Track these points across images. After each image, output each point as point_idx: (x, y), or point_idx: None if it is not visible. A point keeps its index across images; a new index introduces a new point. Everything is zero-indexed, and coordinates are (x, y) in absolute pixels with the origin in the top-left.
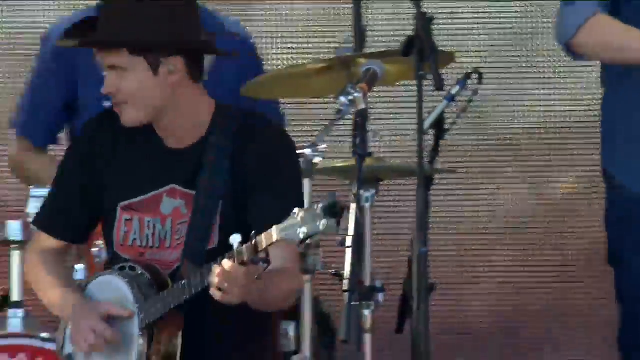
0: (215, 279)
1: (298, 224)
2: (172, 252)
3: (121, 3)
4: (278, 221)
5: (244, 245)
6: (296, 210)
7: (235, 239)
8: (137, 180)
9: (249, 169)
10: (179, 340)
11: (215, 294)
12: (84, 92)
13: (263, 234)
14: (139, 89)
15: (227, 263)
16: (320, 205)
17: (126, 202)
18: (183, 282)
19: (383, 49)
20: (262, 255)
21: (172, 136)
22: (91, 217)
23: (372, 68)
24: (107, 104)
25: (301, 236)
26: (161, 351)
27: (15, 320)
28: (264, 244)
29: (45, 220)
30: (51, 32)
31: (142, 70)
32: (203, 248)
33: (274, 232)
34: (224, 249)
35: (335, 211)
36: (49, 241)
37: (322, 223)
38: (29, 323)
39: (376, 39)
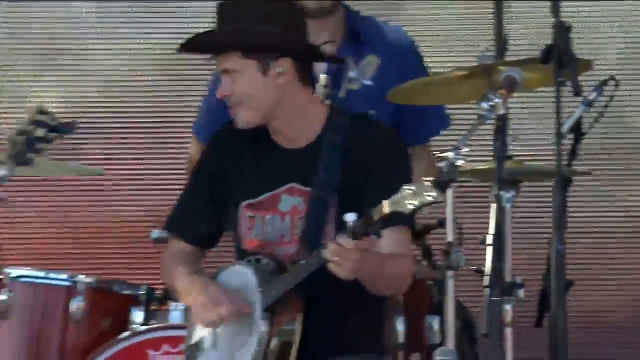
0: (329, 253)
1: (407, 196)
2: (290, 247)
3: (233, 10)
4: (390, 213)
5: (358, 220)
6: (405, 185)
7: (350, 217)
8: (257, 181)
9: (360, 164)
10: (298, 324)
11: (330, 267)
12: None
13: (375, 208)
14: (250, 90)
15: (340, 237)
16: (425, 180)
17: (248, 202)
18: (301, 262)
19: (523, 57)
20: (374, 228)
21: (286, 138)
22: (219, 223)
23: (511, 75)
24: None
25: (410, 207)
26: (280, 334)
27: (175, 312)
28: (376, 217)
29: (177, 225)
30: None
31: (252, 72)
32: (319, 239)
33: (385, 205)
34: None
35: (441, 184)
36: (180, 245)
37: (430, 194)
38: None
39: (516, 45)
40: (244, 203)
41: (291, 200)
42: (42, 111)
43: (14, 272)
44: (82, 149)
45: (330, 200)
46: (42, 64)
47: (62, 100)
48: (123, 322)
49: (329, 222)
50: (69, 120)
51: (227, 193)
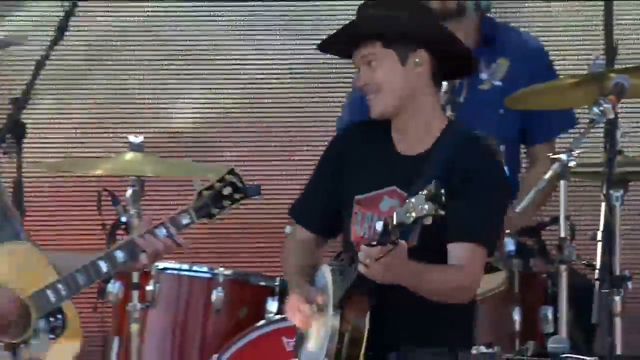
0: (361, 257)
1: (409, 209)
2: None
3: (372, 4)
4: (466, 226)
5: (382, 229)
6: (412, 198)
7: (379, 225)
8: (368, 179)
9: (455, 178)
10: (366, 320)
11: (361, 269)
12: None
13: (390, 217)
14: (389, 77)
15: (368, 243)
16: (424, 192)
17: (357, 197)
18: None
19: (632, 65)
20: (391, 237)
21: (404, 141)
22: (339, 213)
23: (620, 82)
24: None
25: (410, 220)
26: (350, 330)
27: None
28: (390, 227)
29: (301, 213)
30: None
31: (392, 61)
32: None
33: (394, 216)
34: (424, 247)
35: (435, 197)
36: (303, 233)
37: (424, 208)
38: None
39: (625, 51)
40: (355, 198)
41: (390, 202)
42: (232, 172)
43: (161, 264)
44: (221, 147)
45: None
46: (186, 68)
47: (205, 100)
48: (259, 312)
49: (411, 233)
50: (256, 184)
51: (343, 186)
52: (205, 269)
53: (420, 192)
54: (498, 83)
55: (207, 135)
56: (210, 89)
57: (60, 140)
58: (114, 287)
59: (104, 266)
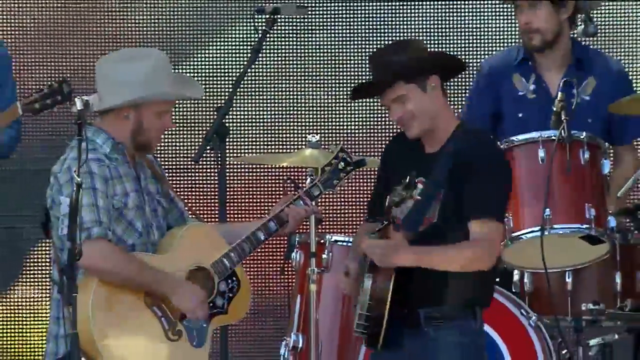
0: (363, 245)
1: (395, 194)
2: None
3: (379, 54)
4: (476, 204)
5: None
6: (396, 185)
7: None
8: (404, 174)
9: (461, 166)
10: (391, 282)
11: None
12: (504, 106)
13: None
14: (419, 105)
15: (367, 234)
16: (403, 182)
17: (394, 187)
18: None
19: None
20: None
21: (428, 143)
22: None
23: None
24: (520, 115)
25: (393, 203)
26: (377, 289)
27: None
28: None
29: (373, 207)
30: (483, 64)
31: (417, 93)
32: (420, 221)
33: (386, 199)
34: (442, 224)
35: (408, 185)
36: (368, 225)
37: (400, 193)
38: None
39: None
40: (393, 187)
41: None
42: (342, 150)
43: (332, 237)
44: (374, 142)
45: (436, 194)
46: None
47: (367, 106)
48: None
49: (435, 210)
50: (362, 158)
51: (389, 179)
52: None
53: (402, 181)
54: (586, 98)
55: (367, 133)
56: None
57: (255, 139)
58: (297, 255)
59: (261, 235)
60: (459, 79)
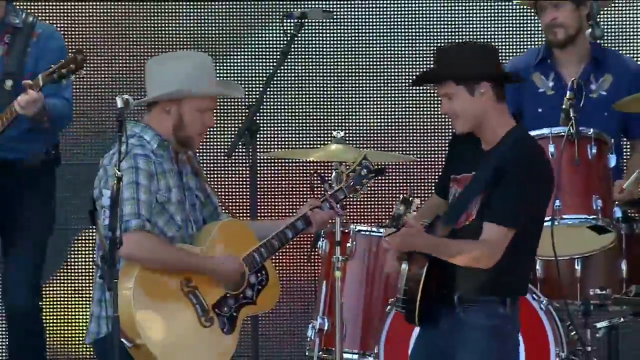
0: (384, 235)
1: (395, 209)
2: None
3: (446, 52)
4: (494, 210)
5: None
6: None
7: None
8: (464, 165)
9: (501, 170)
10: (424, 270)
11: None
12: (525, 103)
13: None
14: (462, 106)
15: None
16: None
17: (452, 176)
18: None
19: None
20: (397, 223)
21: (484, 141)
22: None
23: None
24: (540, 110)
25: (396, 214)
26: (412, 274)
27: None
28: (395, 217)
29: (438, 183)
30: (507, 66)
31: (463, 94)
32: (458, 214)
33: (394, 210)
34: (479, 222)
35: (405, 200)
36: (435, 199)
37: (399, 208)
38: None
39: None
40: (451, 176)
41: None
42: (365, 158)
43: (356, 227)
44: (401, 139)
45: (477, 191)
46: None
47: (389, 101)
48: None
49: (475, 208)
50: (382, 167)
51: (453, 163)
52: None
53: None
54: (603, 93)
55: (391, 129)
56: (393, 92)
57: (283, 136)
58: (323, 244)
59: (289, 233)
60: None
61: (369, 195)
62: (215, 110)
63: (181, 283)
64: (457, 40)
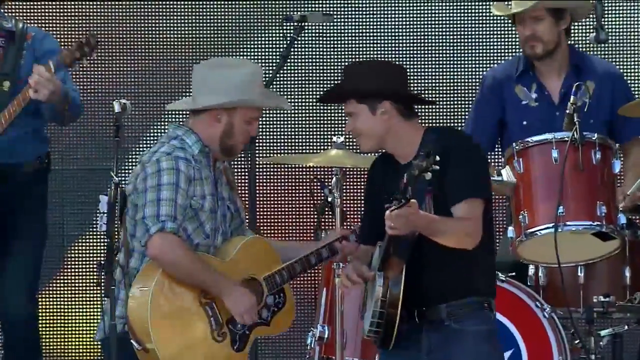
0: (386, 219)
1: (413, 168)
2: None
3: (351, 70)
4: (456, 190)
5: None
6: (415, 160)
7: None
8: (390, 188)
9: (443, 159)
10: (402, 280)
11: (388, 230)
12: (509, 116)
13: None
14: (364, 125)
15: (389, 207)
16: (421, 153)
17: (386, 205)
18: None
19: None
20: (406, 194)
21: (399, 156)
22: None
23: None
24: (524, 122)
25: (415, 174)
26: (390, 288)
27: None
28: (402, 187)
29: (362, 231)
30: (487, 75)
31: (365, 113)
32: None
33: (405, 176)
34: (438, 214)
35: (428, 154)
36: (363, 249)
37: (421, 163)
38: None
39: None
40: (385, 206)
41: None
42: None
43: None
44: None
45: (423, 192)
46: None
47: None
48: None
49: (429, 203)
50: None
51: (375, 198)
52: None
53: (420, 153)
54: (587, 100)
55: None
56: None
57: (283, 141)
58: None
59: (313, 260)
60: (464, 89)
61: None
62: None
63: (200, 293)
64: (454, 45)
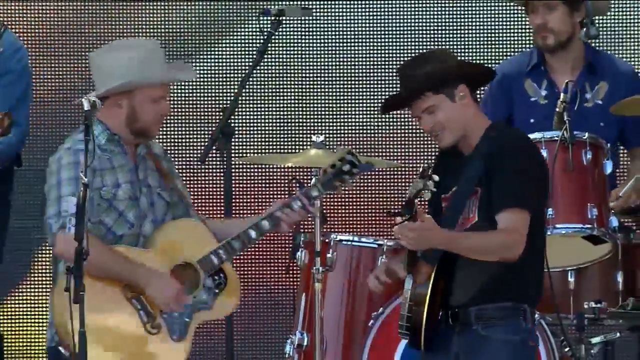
0: (395, 233)
1: (412, 187)
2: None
3: (406, 66)
4: (502, 197)
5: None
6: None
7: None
8: (450, 181)
9: (491, 163)
10: (429, 284)
11: (400, 242)
12: (516, 112)
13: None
14: (448, 115)
15: (397, 219)
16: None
17: (444, 195)
18: None
19: None
20: (411, 210)
21: (465, 148)
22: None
23: None
24: (532, 120)
25: (413, 193)
26: (417, 291)
27: None
28: (406, 203)
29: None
30: (497, 70)
31: (445, 103)
32: (455, 220)
33: (408, 194)
34: (483, 222)
35: (423, 173)
36: None
37: (418, 184)
38: None
39: None
40: (442, 196)
41: None
42: (350, 152)
43: (337, 236)
44: (384, 142)
45: (472, 190)
46: (352, 80)
47: (370, 107)
48: None
49: (470, 210)
50: (370, 163)
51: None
52: (371, 240)
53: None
54: (599, 102)
55: (372, 133)
56: (376, 95)
57: (260, 140)
58: (302, 255)
59: (253, 234)
60: None
61: (349, 203)
62: (188, 113)
63: (124, 287)
64: (437, 41)
